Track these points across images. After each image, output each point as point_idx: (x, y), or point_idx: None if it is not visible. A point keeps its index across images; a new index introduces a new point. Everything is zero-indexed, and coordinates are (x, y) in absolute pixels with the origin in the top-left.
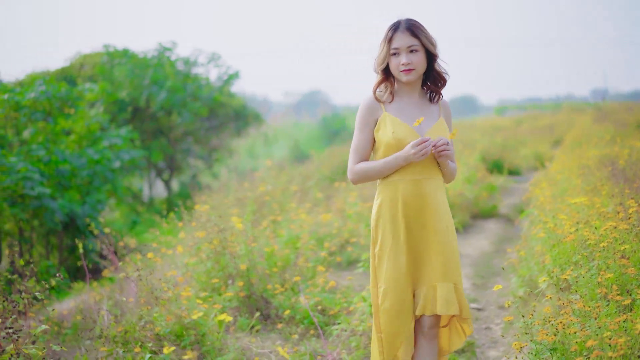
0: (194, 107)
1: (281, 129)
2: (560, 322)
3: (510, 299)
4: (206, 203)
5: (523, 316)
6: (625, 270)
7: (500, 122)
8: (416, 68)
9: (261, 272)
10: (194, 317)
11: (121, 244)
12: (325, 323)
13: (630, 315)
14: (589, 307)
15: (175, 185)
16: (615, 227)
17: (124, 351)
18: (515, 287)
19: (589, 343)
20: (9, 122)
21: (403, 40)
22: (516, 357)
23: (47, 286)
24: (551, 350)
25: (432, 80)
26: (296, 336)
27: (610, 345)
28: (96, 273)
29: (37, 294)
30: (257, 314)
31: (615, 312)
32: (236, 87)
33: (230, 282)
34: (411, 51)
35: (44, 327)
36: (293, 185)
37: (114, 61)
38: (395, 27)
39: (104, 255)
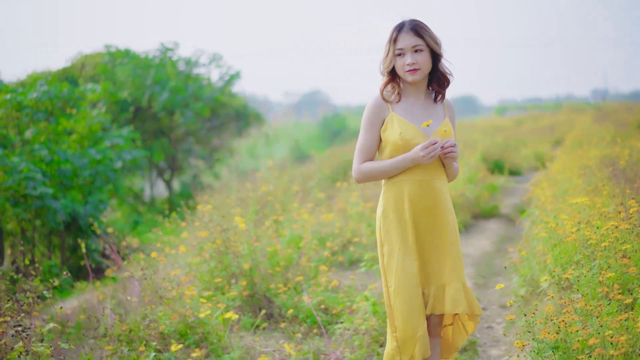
0: (197, 107)
1: (281, 129)
2: (562, 321)
3: (512, 299)
4: (208, 203)
5: (525, 315)
6: (627, 270)
7: (501, 122)
8: (421, 68)
9: (264, 271)
10: (202, 315)
11: (124, 243)
12: (328, 322)
13: (632, 314)
14: (591, 306)
15: (176, 185)
16: (616, 227)
17: (128, 350)
18: (517, 286)
19: (591, 341)
20: (11, 122)
21: (408, 40)
22: (518, 356)
23: (53, 284)
24: (553, 348)
25: (437, 81)
26: (299, 335)
27: (612, 344)
28: (98, 273)
29: (44, 292)
30: (263, 311)
31: (617, 310)
32: (237, 87)
33: (233, 281)
34: (416, 51)
35: (52, 324)
36: (294, 185)
37: (115, 61)
38: (399, 28)
39: (107, 255)
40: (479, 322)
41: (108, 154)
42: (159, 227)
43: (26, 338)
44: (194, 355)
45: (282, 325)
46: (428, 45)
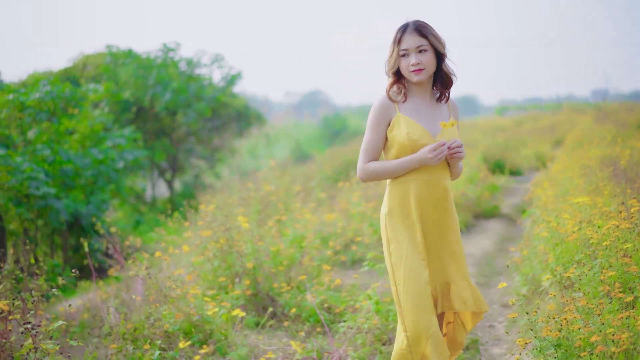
0: (199, 108)
1: (282, 129)
2: (564, 319)
3: (514, 298)
4: (211, 203)
5: (527, 313)
6: (628, 269)
7: (502, 122)
8: (426, 68)
9: (267, 270)
10: (210, 312)
11: (127, 243)
12: (331, 321)
13: (633, 312)
14: (592, 304)
15: (177, 185)
16: (617, 226)
17: (133, 348)
18: (519, 285)
19: (593, 339)
20: (14, 123)
21: (412, 40)
22: (520, 354)
23: (62, 282)
24: (555, 346)
25: (441, 81)
26: (303, 333)
27: (613, 341)
28: (101, 272)
29: (53, 290)
30: (270, 309)
31: (618, 309)
32: (238, 88)
33: (237, 280)
34: (420, 51)
35: (60, 322)
36: (296, 185)
37: (117, 61)
38: (403, 29)
39: (110, 255)
40: (482, 319)
41: (110, 154)
42: (161, 226)
43: (35, 335)
44: (202, 351)
45: (286, 324)
46: (432, 46)
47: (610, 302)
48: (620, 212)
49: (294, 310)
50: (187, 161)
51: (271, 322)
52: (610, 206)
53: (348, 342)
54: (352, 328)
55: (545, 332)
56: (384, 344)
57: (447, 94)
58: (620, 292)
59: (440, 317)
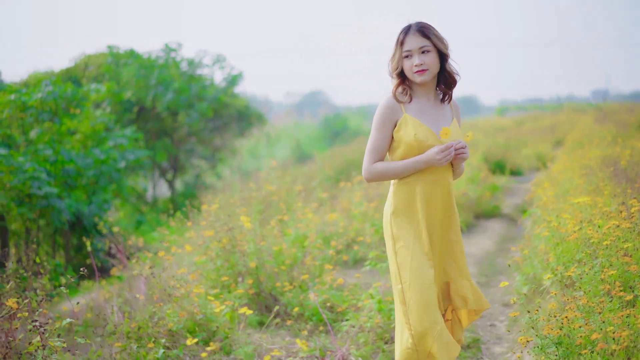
0: (201, 108)
1: (283, 129)
2: (565, 317)
3: (515, 297)
4: (213, 203)
5: (528, 312)
6: (628, 268)
7: (502, 122)
8: (429, 68)
9: (270, 270)
10: (217, 310)
11: (129, 242)
12: (333, 320)
13: (633, 311)
14: (593, 303)
15: (178, 185)
16: (617, 226)
17: (138, 347)
18: (520, 284)
19: (594, 336)
20: (16, 123)
21: (414, 41)
22: (521, 352)
23: (70, 281)
24: (556, 344)
25: (445, 81)
26: (305, 332)
27: (614, 339)
28: (103, 272)
29: (61, 288)
30: (277, 307)
31: (619, 307)
32: (239, 88)
33: (239, 279)
34: (423, 52)
35: (69, 320)
36: (297, 185)
37: (119, 62)
38: (406, 30)
39: (112, 254)
40: (479, 317)
41: (112, 154)
42: (163, 226)
43: (43, 333)
44: (209, 349)
45: (289, 322)
46: (435, 46)
47: (611, 301)
48: (621, 211)
49: (296, 309)
50: (188, 161)
51: (275, 320)
52: (611, 206)
53: (351, 341)
54: (354, 327)
55: (546, 331)
56: (386, 343)
57: (450, 94)
58: (621, 290)
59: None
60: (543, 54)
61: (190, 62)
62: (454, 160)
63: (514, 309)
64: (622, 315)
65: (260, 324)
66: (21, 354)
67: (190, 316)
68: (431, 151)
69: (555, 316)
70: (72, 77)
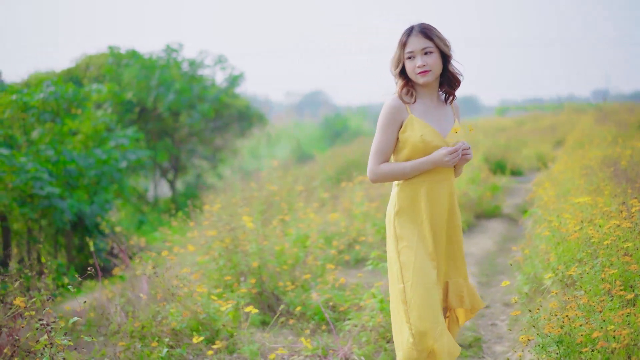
0: (203, 109)
1: (283, 130)
2: (566, 316)
3: (516, 296)
4: (215, 203)
5: (530, 311)
6: (628, 267)
7: (502, 122)
8: (432, 69)
9: (272, 269)
10: (222, 309)
11: (131, 242)
12: (335, 319)
13: (634, 310)
14: (594, 302)
15: (179, 185)
16: (618, 226)
17: (141, 346)
18: (521, 284)
19: (594, 335)
20: (17, 123)
21: (417, 43)
22: (522, 351)
23: (78, 280)
24: (557, 342)
25: (447, 82)
26: (308, 331)
27: (614, 337)
28: (105, 272)
29: (69, 287)
30: (281, 306)
31: (619, 306)
32: (239, 88)
33: (242, 279)
34: (425, 53)
35: (76, 318)
36: (298, 185)
37: (121, 62)
38: (408, 32)
39: (115, 254)
40: (474, 315)
41: (113, 154)
42: (164, 226)
43: (50, 332)
44: (215, 346)
45: (291, 322)
46: (437, 47)
47: (611, 300)
48: (621, 211)
49: (299, 308)
50: (189, 161)
51: (282, 319)
52: (611, 206)
53: (353, 340)
54: (356, 326)
55: (547, 329)
56: (388, 342)
57: (454, 95)
58: (621, 290)
59: None
60: (543, 54)
61: (192, 63)
62: (459, 161)
63: (515, 308)
64: (623, 314)
65: (263, 323)
66: (29, 352)
67: (193, 315)
68: (440, 152)
69: (556, 315)
70: (73, 77)
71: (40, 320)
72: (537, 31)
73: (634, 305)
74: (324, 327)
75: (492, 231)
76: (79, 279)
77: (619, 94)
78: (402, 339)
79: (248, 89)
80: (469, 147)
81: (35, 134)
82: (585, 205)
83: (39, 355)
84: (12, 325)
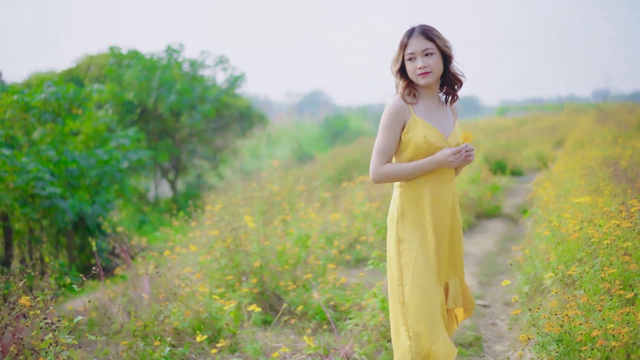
0: (204, 109)
1: (283, 130)
2: (566, 315)
3: (516, 296)
4: (216, 203)
5: (530, 310)
6: (628, 267)
7: (503, 122)
8: (433, 70)
9: (273, 269)
10: (226, 307)
11: (133, 242)
12: (337, 318)
13: (633, 309)
14: (593, 301)
15: (180, 185)
16: (618, 226)
17: (144, 345)
18: (521, 283)
19: (594, 333)
20: (18, 123)
21: (418, 44)
22: (522, 350)
23: (81, 279)
24: (557, 341)
25: (449, 83)
26: (309, 331)
27: (613, 336)
28: (106, 272)
29: (74, 286)
30: (284, 305)
31: (618, 305)
32: (240, 88)
33: (244, 279)
34: (426, 54)
35: (80, 317)
36: (299, 185)
37: (122, 62)
38: (409, 33)
39: (117, 254)
40: (471, 315)
41: (114, 154)
42: (166, 226)
43: (54, 330)
44: (219, 345)
45: (292, 321)
46: (438, 48)
47: (611, 299)
48: (621, 211)
49: (300, 308)
50: (190, 161)
51: (286, 317)
52: (611, 206)
53: (354, 339)
54: (358, 325)
55: (547, 328)
56: (389, 341)
57: (456, 96)
58: (621, 289)
59: None
60: (543, 54)
61: (193, 63)
62: (462, 162)
63: (515, 307)
64: (622, 313)
65: (265, 322)
66: (33, 350)
67: (195, 315)
68: (444, 153)
69: (556, 314)
70: (74, 77)
71: (44, 319)
72: (537, 31)
73: (633, 304)
74: (325, 327)
75: (492, 231)
76: (84, 278)
77: (619, 94)
78: (399, 342)
79: (248, 89)
80: (472, 149)
81: (36, 134)
82: (585, 205)
83: (44, 353)
84: (16, 324)
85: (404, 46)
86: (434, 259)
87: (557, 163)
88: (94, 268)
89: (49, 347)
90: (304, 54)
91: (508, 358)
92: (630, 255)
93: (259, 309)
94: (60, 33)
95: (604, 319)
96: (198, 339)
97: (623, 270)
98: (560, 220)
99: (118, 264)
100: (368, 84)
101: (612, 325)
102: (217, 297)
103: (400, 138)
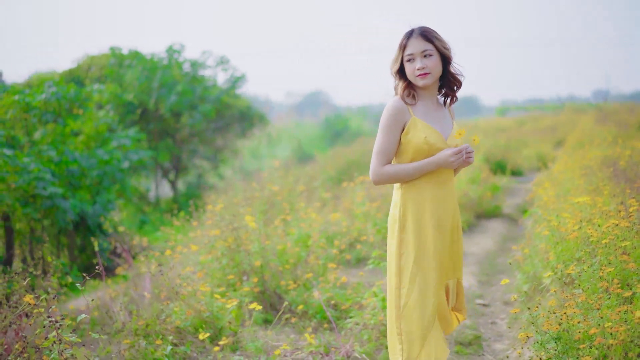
0: (204, 110)
1: (283, 130)
2: (565, 314)
3: (515, 295)
4: (217, 203)
5: (529, 309)
6: (626, 266)
7: (503, 122)
8: (432, 72)
9: (274, 268)
10: (228, 306)
11: (134, 242)
12: (337, 317)
13: (630, 307)
14: (592, 299)
15: (180, 185)
16: (616, 225)
17: (146, 343)
18: (520, 283)
19: (592, 331)
20: (19, 123)
21: (417, 45)
22: (522, 348)
23: (84, 279)
24: (556, 339)
25: (448, 84)
26: (310, 330)
27: (611, 334)
28: (107, 271)
29: (78, 285)
30: (285, 303)
31: (616, 304)
32: (240, 89)
33: (244, 278)
34: (425, 56)
35: (84, 315)
36: (300, 185)
37: (122, 63)
38: (408, 35)
39: (118, 254)
40: (465, 314)
41: (115, 154)
42: (166, 226)
43: (58, 328)
44: (221, 343)
45: (293, 320)
46: (437, 50)
47: (609, 298)
48: (620, 211)
49: (301, 307)
50: (191, 161)
51: (287, 316)
52: (610, 206)
53: (354, 338)
54: (358, 324)
55: (546, 327)
56: None
57: (455, 97)
58: (619, 288)
59: None
60: (543, 54)
61: (193, 64)
62: (461, 163)
63: (514, 306)
64: (620, 312)
65: (265, 321)
66: (37, 348)
67: (197, 314)
68: (444, 153)
69: (554, 313)
70: (75, 78)
71: (48, 317)
72: (537, 31)
73: (631, 302)
74: (325, 326)
75: (492, 231)
76: (87, 277)
77: (619, 94)
78: (393, 345)
79: (249, 89)
80: (472, 151)
81: (37, 135)
82: (584, 205)
83: (47, 351)
84: (19, 322)
85: (403, 47)
86: (434, 262)
87: (557, 163)
88: (96, 267)
89: (52, 345)
90: (304, 54)
91: (507, 356)
92: (628, 254)
93: (260, 308)
94: (61, 33)
95: (602, 318)
96: (200, 337)
97: (621, 269)
98: (559, 220)
99: (119, 263)
100: (368, 84)
101: (610, 323)
102: (218, 296)
103: (400, 139)
